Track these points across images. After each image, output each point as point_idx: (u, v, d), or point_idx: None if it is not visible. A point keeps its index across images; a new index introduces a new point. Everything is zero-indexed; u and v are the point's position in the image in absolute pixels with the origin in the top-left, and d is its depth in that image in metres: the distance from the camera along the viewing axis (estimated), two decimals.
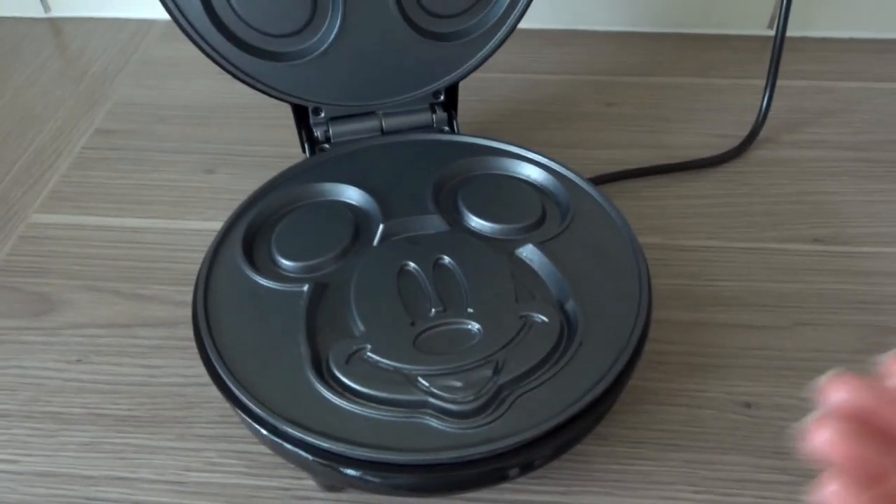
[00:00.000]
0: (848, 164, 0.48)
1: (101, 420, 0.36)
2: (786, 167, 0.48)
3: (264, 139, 0.51)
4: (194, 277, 0.42)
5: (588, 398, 0.29)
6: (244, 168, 0.49)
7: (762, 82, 0.49)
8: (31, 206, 0.47)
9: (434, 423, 0.29)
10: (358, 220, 0.37)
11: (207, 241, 0.44)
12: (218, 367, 0.31)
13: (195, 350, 0.33)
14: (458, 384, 0.29)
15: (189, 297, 0.40)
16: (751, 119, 0.51)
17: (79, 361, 0.38)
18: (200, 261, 0.43)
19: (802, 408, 0.34)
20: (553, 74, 0.57)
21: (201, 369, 0.32)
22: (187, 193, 0.47)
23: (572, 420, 0.29)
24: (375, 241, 0.36)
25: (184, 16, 0.37)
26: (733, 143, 0.49)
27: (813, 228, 0.44)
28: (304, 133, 0.42)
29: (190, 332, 0.38)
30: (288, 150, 0.44)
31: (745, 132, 0.50)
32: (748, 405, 0.36)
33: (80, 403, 0.36)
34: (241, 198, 0.47)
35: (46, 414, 0.36)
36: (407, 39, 0.40)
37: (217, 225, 0.45)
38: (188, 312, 0.40)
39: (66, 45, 0.62)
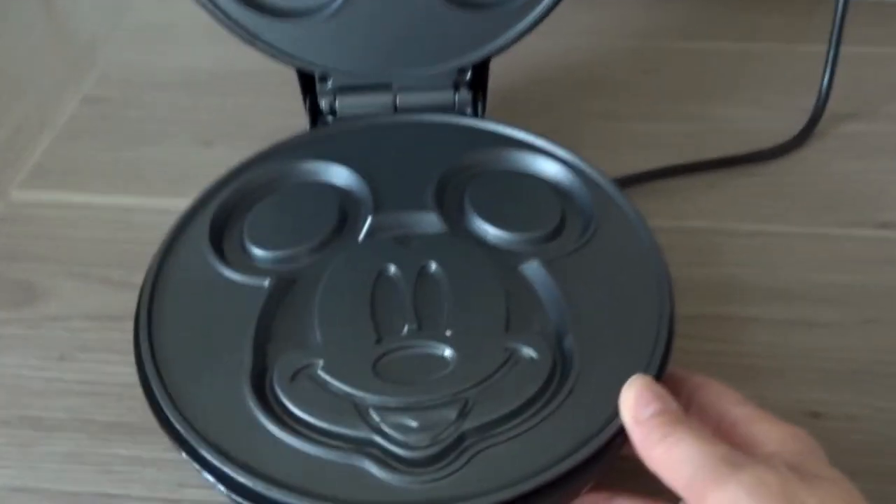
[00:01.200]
0: None
1: (87, 427, 0.32)
2: (847, 143, 0.43)
3: (269, 109, 0.46)
4: None
5: (566, 465, 0.24)
6: (246, 141, 0.44)
7: (814, 47, 0.44)
8: (12, 183, 0.43)
9: (374, 468, 0.24)
10: (345, 209, 0.33)
11: None
12: (147, 367, 0.27)
13: None
14: (414, 424, 0.25)
15: None
16: (802, 90, 0.46)
17: (62, 359, 0.34)
18: None
19: (878, 418, 0.31)
20: (584, 36, 0.52)
21: None
22: (184, 168, 0.43)
23: (542, 489, 0.24)
24: (361, 236, 0.31)
25: None
26: (784, 117, 0.44)
27: (879, 212, 0.40)
28: (308, 104, 0.38)
29: None
30: (294, 121, 0.40)
31: (796, 104, 0.45)
32: (816, 415, 0.31)
33: (62, 407, 0.33)
34: None
35: (24, 419, 0.32)
36: (433, 3, 0.35)
37: None
38: None
39: (52, 7, 0.57)
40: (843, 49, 0.46)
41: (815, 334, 0.34)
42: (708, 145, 0.43)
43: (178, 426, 0.25)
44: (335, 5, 0.34)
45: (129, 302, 0.36)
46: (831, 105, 0.45)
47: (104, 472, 0.30)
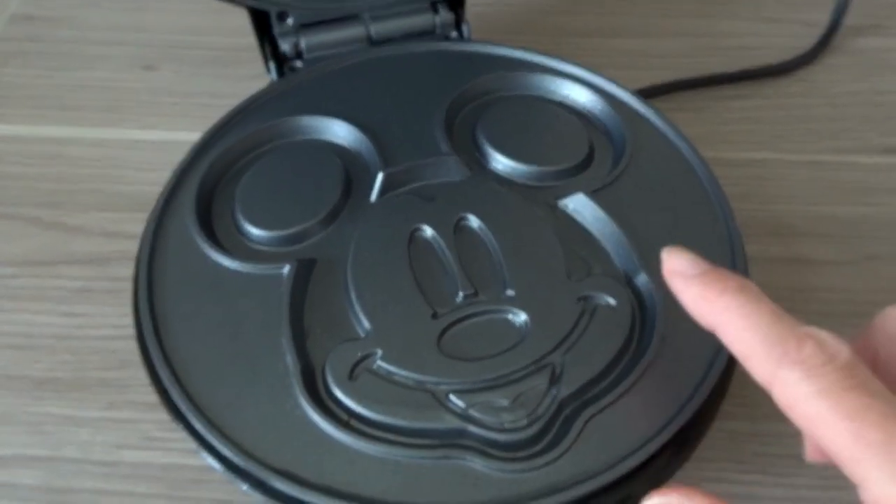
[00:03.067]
0: None
1: (14, 384, 0.29)
2: (851, 60, 0.40)
3: (216, 27, 0.42)
4: (131, 201, 0.35)
5: (688, 412, 0.22)
6: (191, 63, 0.41)
7: None
8: None
9: (477, 462, 0.21)
10: (348, 168, 0.29)
11: (146, 156, 0.37)
12: (172, 394, 0.23)
13: (130, 294, 0.26)
14: (504, 402, 0.22)
15: (124, 227, 0.34)
16: (807, 1, 0.42)
17: None
18: (137, 181, 0.36)
19: None
20: None
21: None
22: (122, 95, 0.39)
23: (669, 444, 0.21)
24: (374, 196, 0.28)
25: None
26: (789, 32, 0.41)
27: (884, 136, 0.36)
28: (267, 48, 0.33)
29: (123, 272, 0.31)
30: (243, 40, 0.36)
31: (801, 17, 0.41)
32: None
33: None
34: (188, 101, 0.39)
35: None
36: None
37: (158, 135, 0.38)
38: (122, 246, 0.33)
39: None
40: None
41: (813, 272, 0.32)
42: (705, 64, 0.39)
43: (234, 458, 0.22)
44: None
45: (60, 245, 0.33)
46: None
47: (34, 434, 0.28)
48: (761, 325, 0.18)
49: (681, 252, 0.21)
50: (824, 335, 0.18)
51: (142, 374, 0.29)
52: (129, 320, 0.30)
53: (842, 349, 0.17)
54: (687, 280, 0.20)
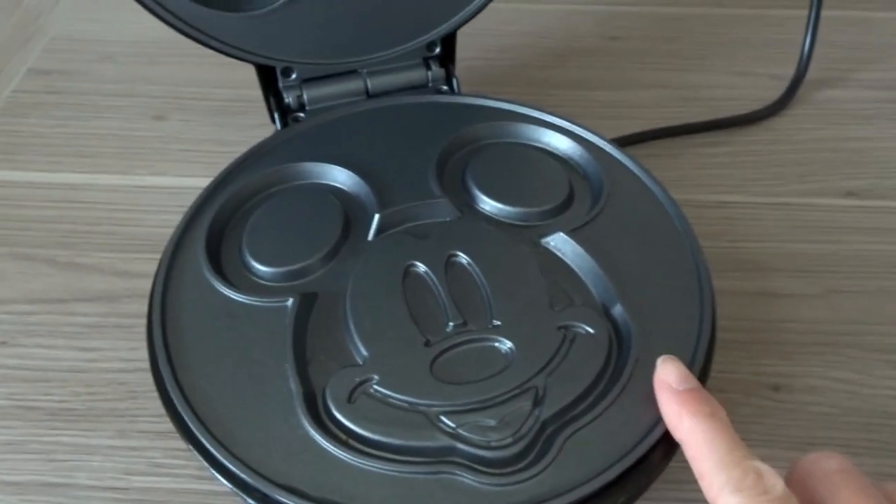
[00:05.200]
0: (885, 105, 0.43)
1: (29, 414, 0.31)
2: (814, 110, 0.43)
3: (222, 80, 0.45)
4: (141, 242, 0.37)
5: (660, 430, 0.23)
6: (199, 114, 0.43)
7: (783, 12, 0.43)
8: None
9: (466, 477, 0.23)
10: (347, 209, 0.31)
11: (156, 200, 0.39)
12: (185, 416, 0.25)
13: (140, 329, 0.27)
14: (491, 422, 0.24)
15: (134, 267, 0.36)
16: (774, 56, 0.45)
17: (4, 344, 0.33)
18: (148, 223, 0.38)
19: (837, 390, 0.30)
20: (547, 4, 0.50)
21: (145, 352, 0.28)
22: (134, 143, 0.42)
23: (644, 458, 0.23)
24: (371, 235, 0.30)
25: None
26: (757, 84, 0.44)
27: (846, 180, 0.39)
28: (272, 100, 0.35)
29: (133, 308, 0.34)
30: (248, 92, 0.39)
31: (768, 71, 0.44)
32: (777, 388, 0.31)
33: (4, 394, 0.31)
34: (195, 149, 0.42)
35: None
36: None
37: (168, 180, 0.40)
38: (133, 284, 0.35)
39: None
40: (807, 12, 0.45)
41: (778, 305, 0.34)
42: (677, 114, 0.42)
43: (241, 474, 0.23)
44: None
45: (74, 284, 0.35)
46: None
47: (48, 461, 0.29)
48: (717, 451, 0.21)
49: (674, 365, 0.24)
50: (765, 469, 0.21)
51: (150, 405, 0.31)
52: (138, 354, 0.32)
53: (777, 483, 0.20)
54: (671, 393, 0.23)
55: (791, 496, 0.20)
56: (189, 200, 0.32)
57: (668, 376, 0.23)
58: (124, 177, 0.40)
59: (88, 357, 0.33)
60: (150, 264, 0.30)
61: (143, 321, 0.28)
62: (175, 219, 0.31)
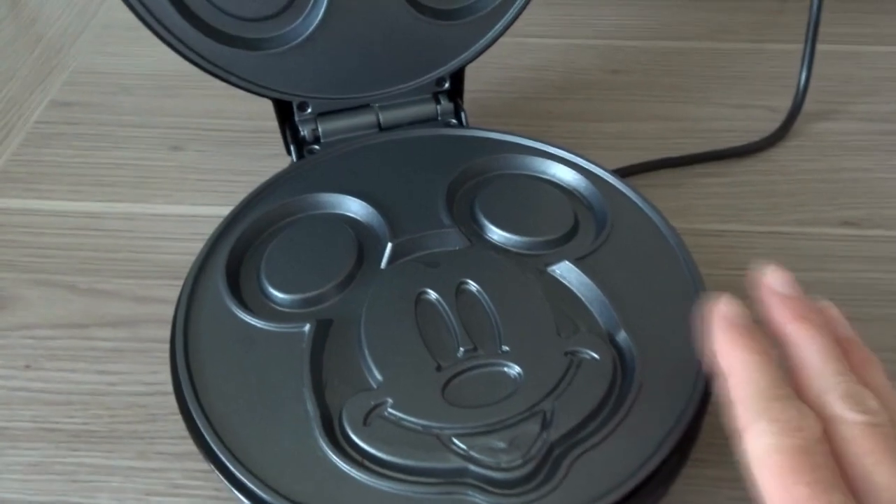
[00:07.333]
0: (879, 137, 0.44)
1: (52, 436, 0.32)
2: (810, 142, 0.44)
3: (237, 112, 0.46)
4: (159, 268, 0.38)
5: (665, 450, 0.24)
6: (215, 144, 0.45)
7: (783, 46, 0.45)
8: None
9: (477, 497, 0.24)
10: (361, 238, 0.32)
11: (173, 228, 0.40)
12: (207, 435, 0.26)
13: (159, 354, 0.29)
14: (501, 444, 0.25)
15: (153, 292, 0.37)
16: (771, 89, 0.47)
17: (27, 367, 0.34)
18: (164, 250, 0.39)
19: None
20: (550, 38, 0.52)
21: (165, 376, 0.29)
22: (152, 173, 0.43)
23: (650, 479, 0.24)
24: (384, 263, 0.31)
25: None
26: (753, 116, 0.45)
27: (841, 210, 0.40)
28: (289, 133, 0.37)
29: (152, 333, 0.35)
30: (263, 123, 0.40)
31: (765, 103, 0.46)
32: None
33: (28, 417, 0.32)
34: (211, 178, 0.43)
35: None
36: (405, 19, 0.35)
37: (185, 209, 0.42)
38: (151, 310, 0.36)
39: (18, 7, 0.56)
40: (802, 46, 0.47)
41: None
42: (677, 146, 0.43)
43: (261, 493, 0.24)
44: (308, 31, 0.34)
45: (95, 309, 0.36)
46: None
47: (70, 482, 0.30)
48: (761, 381, 0.21)
49: (734, 304, 0.24)
50: (807, 411, 0.21)
51: (169, 427, 0.32)
52: (157, 378, 0.33)
53: (816, 427, 0.20)
54: (727, 325, 0.23)
55: (825, 443, 0.20)
56: (205, 228, 0.33)
57: (728, 311, 0.24)
58: (142, 205, 0.41)
59: (109, 381, 0.34)
60: (168, 290, 0.31)
61: (162, 346, 0.29)
62: (191, 246, 0.32)
